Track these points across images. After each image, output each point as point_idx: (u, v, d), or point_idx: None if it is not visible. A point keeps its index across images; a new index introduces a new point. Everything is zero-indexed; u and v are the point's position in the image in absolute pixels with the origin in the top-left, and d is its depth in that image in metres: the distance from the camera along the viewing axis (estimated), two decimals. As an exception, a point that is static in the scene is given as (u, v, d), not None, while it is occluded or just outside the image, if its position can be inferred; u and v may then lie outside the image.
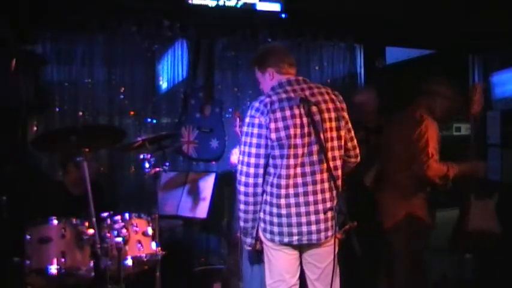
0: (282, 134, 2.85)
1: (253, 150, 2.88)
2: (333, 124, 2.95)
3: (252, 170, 2.88)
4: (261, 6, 4.87)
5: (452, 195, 4.09)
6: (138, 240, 3.51)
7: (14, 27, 4.25)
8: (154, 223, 3.59)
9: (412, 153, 3.75)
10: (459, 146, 4.42)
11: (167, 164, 3.76)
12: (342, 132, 2.99)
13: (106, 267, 3.32)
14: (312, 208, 2.89)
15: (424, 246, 3.98)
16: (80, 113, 4.79)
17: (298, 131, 2.86)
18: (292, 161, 2.87)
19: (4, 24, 4.19)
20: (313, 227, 2.89)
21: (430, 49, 5.88)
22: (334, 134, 2.95)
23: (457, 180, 3.83)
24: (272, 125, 2.85)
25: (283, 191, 2.88)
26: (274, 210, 2.90)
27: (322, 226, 2.90)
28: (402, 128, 3.90)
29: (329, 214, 2.91)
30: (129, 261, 3.44)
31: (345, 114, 3.03)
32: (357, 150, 3.13)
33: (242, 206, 2.95)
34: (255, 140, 2.88)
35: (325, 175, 2.91)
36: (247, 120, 2.92)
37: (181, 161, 5.00)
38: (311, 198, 2.89)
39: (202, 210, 4.35)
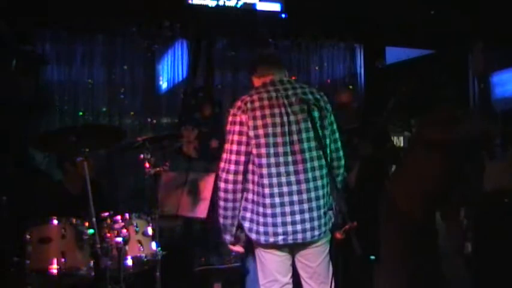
0: (261, 131, 2.88)
1: (234, 147, 2.90)
2: (317, 123, 2.94)
3: (232, 167, 2.90)
4: (261, 6, 4.88)
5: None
6: (138, 240, 3.50)
7: (14, 27, 4.26)
8: (154, 223, 3.59)
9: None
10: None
11: (167, 164, 3.76)
12: (326, 132, 2.99)
13: (106, 267, 3.32)
14: (297, 207, 2.89)
15: (413, 248, 3.66)
16: (80, 113, 4.79)
17: (278, 129, 2.89)
18: (273, 160, 2.88)
19: (4, 24, 4.20)
20: (299, 227, 2.89)
21: (430, 49, 5.88)
22: (318, 132, 2.93)
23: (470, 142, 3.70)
24: (251, 123, 2.88)
25: (267, 190, 2.88)
26: (260, 209, 2.91)
27: (307, 225, 2.89)
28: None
29: (315, 213, 2.90)
30: (129, 261, 3.44)
31: (328, 115, 3.03)
32: (340, 153, 3.10)
33: (222, 203, 2.97)
34: (236, 137, 2.91)
35: (309, 174, 2.92)
36: (230, 118, 2.96)
37: (181, 161, 5.01)
38: (295, 197, 2.89)
39: (202, 210, 4.34)
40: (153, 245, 3.55)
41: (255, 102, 2.92)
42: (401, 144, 5.55)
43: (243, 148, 2.90)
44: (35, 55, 4.59)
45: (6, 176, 4.13)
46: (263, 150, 2.87)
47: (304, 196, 2.90)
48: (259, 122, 2.88)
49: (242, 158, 2.90)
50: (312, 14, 5.06)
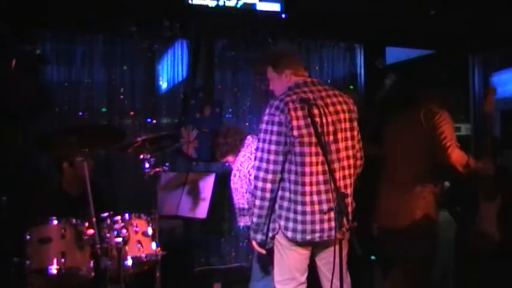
0: (304, 131, 2.93)
1: (273, 147, 2.94)
2: (347, 125, 3.06)
3: (271, 167, 2.94)
4: (261, 6, 4.87)
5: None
6: (138, 240, 3.51)
7: (14, 27, 4.25)
8: (154, 223, 3.59)
9: (429, 145, 3.72)
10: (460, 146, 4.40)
11: (167, 164, 3.76)
12: (355, 133, 3.10)
13: (106, 267, 3.32)
14: (325, 206, 2.95)
15: (433, 248, 3.87)
16: (80, 113, 4.79)
17: (318, 129, 2.91)
18: (314, 159, 2.94)
19: (4, 24, 4.19)
20: (332, 223, 2.93)
21: (430, 49, 5.87)
22: (348, 134, 3.05)
23: (468, 178, 3.76)
24: (294, 123, 2.92)
25: (308, 188, 2.94)
26: (299, 207, 2.95)
27: (333, 224, 2.93)
28: (412, 127, 3.86)
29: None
30: (129, 261, 3.44)
31: (354, 117, 3.13)
32: (362, 152, 3.21)
33: (258, 202, 2.99)
34: (274, 137, 2.94)
35: (341, 173, 3.02)
36: (265, 118, 2.99)
37: (181, 161, 5.00)
38: (331, 195, 2.94)
39: (202, 210, 4.35)
40: (153, 245, 3.56)
41: (294, 102, 2.95)
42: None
43: (281, 148, 2.94)
44: (35, 55, 4.59)
45: (6, 176, 4.13)
46: (306, 149, 2.93)
47: (331, 196, 2.94)
48: (302, 122, 2.93)
49: (280, 158, 2.94)
50: (312, 14, 5.05)
